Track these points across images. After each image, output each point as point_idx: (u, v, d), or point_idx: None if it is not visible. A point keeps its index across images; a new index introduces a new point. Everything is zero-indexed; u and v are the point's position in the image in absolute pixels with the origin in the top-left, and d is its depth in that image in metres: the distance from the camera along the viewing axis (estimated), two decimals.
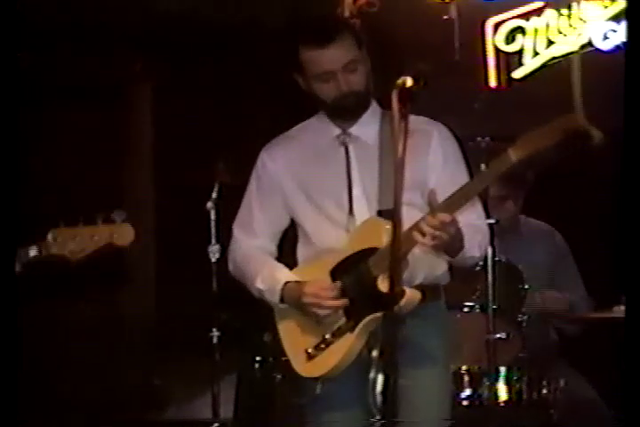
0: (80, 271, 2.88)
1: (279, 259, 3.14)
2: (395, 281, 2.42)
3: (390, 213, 2.55)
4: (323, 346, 2.93)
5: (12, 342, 2.51)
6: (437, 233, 2.70)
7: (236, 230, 3.18)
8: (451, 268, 3.08)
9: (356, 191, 2.99)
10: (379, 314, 2.79)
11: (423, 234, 2.71)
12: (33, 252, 2.77)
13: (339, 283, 2.91)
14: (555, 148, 2.55)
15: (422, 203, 2.94)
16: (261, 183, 3.12)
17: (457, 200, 2.74)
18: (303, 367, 2.97)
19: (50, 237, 2.78)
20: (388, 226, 2.75)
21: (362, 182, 2.99)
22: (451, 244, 2.79)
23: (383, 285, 2.78)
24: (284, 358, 3.07)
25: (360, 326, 2.86)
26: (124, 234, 2.81)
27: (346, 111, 3.00)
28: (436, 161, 2.99)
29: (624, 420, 2.46)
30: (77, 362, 5.32)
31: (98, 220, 2.77)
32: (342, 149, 3.02)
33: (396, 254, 2.42)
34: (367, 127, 3.02)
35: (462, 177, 3.00)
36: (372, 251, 2.86)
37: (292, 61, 3.00)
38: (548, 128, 2.58)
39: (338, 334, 2.90)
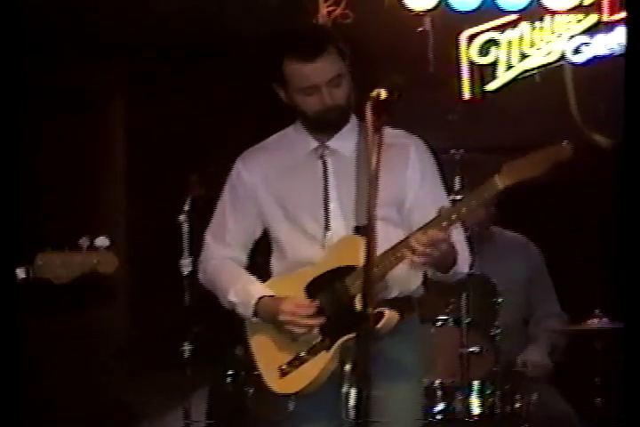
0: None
1: (251, 268, 3.11)
2: (369, 300, 2.39)
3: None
4: (297, 363, 2.90)
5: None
6: (428, 250, 2.67)
7: (208, 239, 3.15)
8: (425, 281, 3.06)
9: (332, 205, 2.96)
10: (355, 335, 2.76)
11: (413, 251, 2.68)
12: (21, 274, 2.78)
13: (316, 303, 2.88)
14: (541, 176, 2.54)
15: (398, 218, 2.94)
16: (235, 193, 3.08)
17: (438, 223, 2.71)
18: (276, 384, 2.94)
19: (38, 261, 2.79)
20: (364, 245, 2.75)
21: (339, 196, 2.96)
22: (442, 260, 2.77)
23: (361, 305, 2.77)
24: (255, 373, 3.05)
25: (336, 345, 2.84)
26: (108, 262, 2.87)
27: (327, 125, 2.97)
28: (413, 176, 2.97)
29: (624, 420, 2.46)
30: (47, 377, 5.26)
31: (83, 245, 2.79)
32: (320, 162, 3.00)
33: (370, 271, 2.39)
34: (346, 140, 2.99)
35: (439, 192, 3.01)
36: (349, 269, 2.84)
37: (275, 73, 2.96)
38: (537, 157, 2.55)
39: (313, 351, 2.88)
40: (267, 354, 2.97)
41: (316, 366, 2.86)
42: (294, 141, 3.06)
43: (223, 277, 3.06)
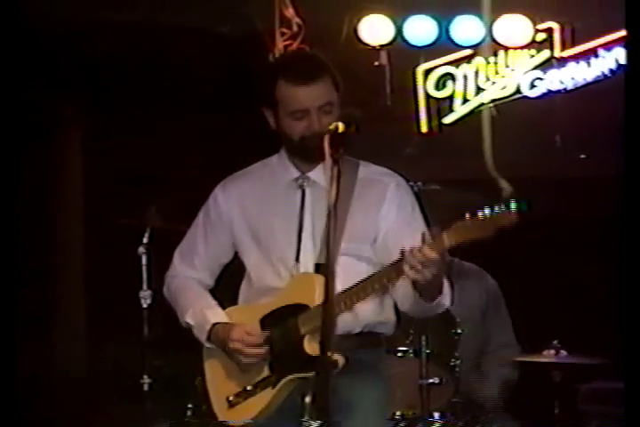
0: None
1: (220, 292, 3.11)
2: (327, 344, 2.39)
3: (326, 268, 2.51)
4: (244, 395, 2.92)
5: None
6: (420, 267, 2.57)
7: (177, 258, 3.15)
8: (398, 319, 3.04)
9: (305, 237, 2.92)
10: (301, 375, 2.79)
11: (409, 266, 2.58)
12: None
13: (266, 333, 2.88)
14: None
15: (371, 254, 2.91)
16: (209, 218, 3.08)
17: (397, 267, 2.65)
18: (223, 414, 2.97)
19: None
20: (320, 284, 2.71)
21: (312, 229, 2.92)
22: (431, 284, 2.67)
23: (309, 346, 2.79)
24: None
25: (281, 383, 2.85)
26: None
27: (312, 153, 2.88)
28: (389, 212, 2.92)
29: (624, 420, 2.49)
30: (3, 409, 5.19)
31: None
32: (299, 193, 2.97)
33: (329, 316, 2.39)
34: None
35: (418, 223, 2.93)
36: (303, 307, 2.83)
37: (266, 96, 2.93)
38: (484, 223, 2.53)
39: (259, 386, 2.89)
40: (218, 383, 2.99)
41: (261, 401, 2.88)
42: (276, 170, 3.03)
43: (184, 296, 3.07)
